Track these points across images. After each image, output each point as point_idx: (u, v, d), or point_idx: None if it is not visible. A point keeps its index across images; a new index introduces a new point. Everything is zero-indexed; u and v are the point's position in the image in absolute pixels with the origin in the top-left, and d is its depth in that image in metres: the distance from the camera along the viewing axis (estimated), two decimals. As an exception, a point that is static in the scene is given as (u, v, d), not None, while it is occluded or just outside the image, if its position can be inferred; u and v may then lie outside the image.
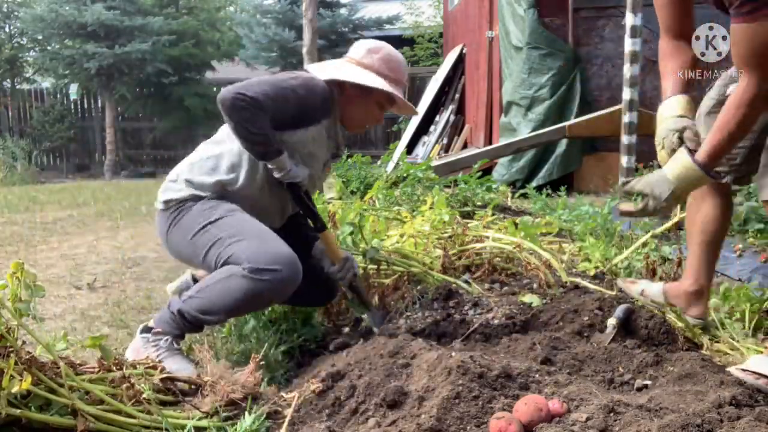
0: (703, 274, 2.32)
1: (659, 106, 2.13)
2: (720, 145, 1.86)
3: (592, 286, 2.58)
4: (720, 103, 2.14)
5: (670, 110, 2.08)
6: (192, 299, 2.09)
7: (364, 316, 2.49)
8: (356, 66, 2.33)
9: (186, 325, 2.12)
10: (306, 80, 2.23)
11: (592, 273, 3.05)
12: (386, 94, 2.31)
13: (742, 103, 1.79)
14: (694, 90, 2.09)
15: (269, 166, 2.17)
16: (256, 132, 2.09)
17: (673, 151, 2.02)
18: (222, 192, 2.20)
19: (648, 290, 2.34)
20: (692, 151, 1.91)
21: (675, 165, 1.93)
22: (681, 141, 2.02)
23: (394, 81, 2.33)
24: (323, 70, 2.33)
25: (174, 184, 2.24)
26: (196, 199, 2.18)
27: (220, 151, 2.23)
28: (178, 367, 1.97)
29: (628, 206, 2.06)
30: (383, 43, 2.40)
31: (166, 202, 2.23)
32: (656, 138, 2.09)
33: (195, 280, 2.49)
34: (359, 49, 2.37)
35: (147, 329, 2.17)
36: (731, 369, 1.89)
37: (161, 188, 2.28)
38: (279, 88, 2.15)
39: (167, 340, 2.10)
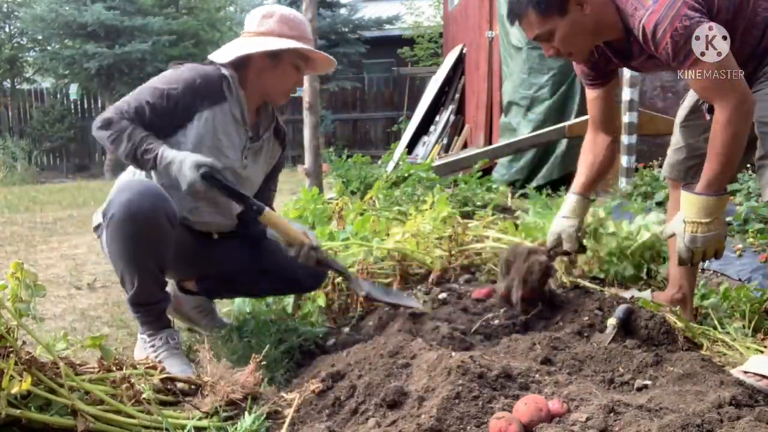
0: (686, 281, 2.43)
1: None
2: (713, 172, 1.96)
3: (592, 286, 2.58)
4: (693, 110, 2.32)
5: (562, 209, 2.40)
6: (123, 285, 2.08)
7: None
8: (255, 37, 2.20)
9: (149, 308, 2.09)
10: (175, 72, 2.15)
11: (592, 273, 3.05)
12: (298, 53, 2.20)
13: (716, 130, 1.92)
14: (591, 191, 2.42)
15: (166, 174, 2.05)
16: (115, 141, 2.03)
17: (555, 248, 2.38)
18: None
19: (636, 297, 2.41)
20: (689, 186, 2.04)
21: (687, 207, 2.01)
22: (558, 241, 2.36)
23: (300, 38, 2.20)
24: (223, 54, 2.20)
25: (94, 215, 2.26)
26: None
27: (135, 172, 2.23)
28: (176, 369, 1.97)
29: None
30: (275, 6, 2.25)
31: (95, 230, 2.27)
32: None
33: (180, 288, 2.49)
34: (253, 19, 2.23)
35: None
36: (732, 371, 1.89)
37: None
38: (138, 92, 2.10)
39: (161, 338, 2.09)
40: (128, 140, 2.03)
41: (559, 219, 2.39)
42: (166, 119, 2.10)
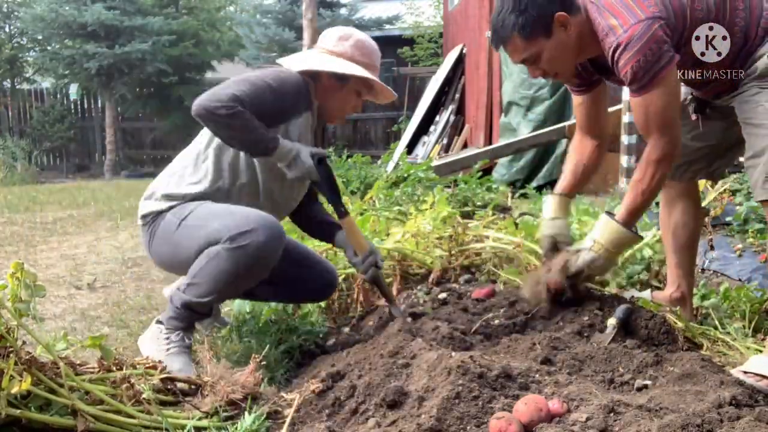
0: (684, 280, 2.45)
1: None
2: (635, 203, 2.07)
3: (592, 286, 2.57)
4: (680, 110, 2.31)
5: (547, 211, 2.37)
6: (190, 287, 2.08)
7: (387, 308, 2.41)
8: (328, 55, 2.26)
9: (193, 315, 2.12)
10: (278, 73, 2.19)
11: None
12: (363, 80, 2.26)
13: (648, 164, 2.02)
14: (574, 193, 2.43)
15: (281, 166, 2.13)
16: (242, 129, 2.03)
17: (551, 252, 2.30)
18: (200, 198, 2.17)
19: (636, 297, 2.43)
20: (612, 214, 2.13)
21: (603, 231, 2.12)
22: (554, 245, 2.31)
23: (369, 66, 2.26)
24: (296, 63, 2.27)
25: (149, 201, 2.23)
26: (171, 207, 2.17)
27: (197, 161, 2.22)
28: (179, 367, 1.98)
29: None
30: (353, 30, 2.32)
31: (143, 217, 2.23)
32: (537, 236, 2.40)
33: None
34: (330, 37, 2.28)
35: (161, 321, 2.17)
36: (732, 371, 1.90)
37: (139, 206, 2.26)
38: (253, 85, 2.09)
39: (179, 334, 2.10)
40: (256, 129, 2.06)
41: (549, 221, 2.37)
42: (268, 116, 2.11)
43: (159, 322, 2.15)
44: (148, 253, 2.28)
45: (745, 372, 1.90)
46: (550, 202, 2.40)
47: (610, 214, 2.12)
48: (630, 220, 2.08)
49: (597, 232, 2.12)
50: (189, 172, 2.21)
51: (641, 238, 2.22)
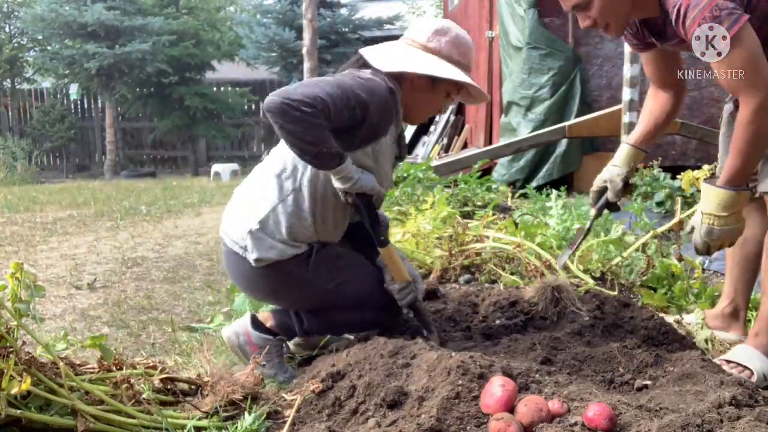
0: (740, 294, 2.35)
1: None
2: (735, 168, 1.91)
3: (607, 292, 2.57)
4: (730, 122, 2.19)
5: (614, 158, 2.36)
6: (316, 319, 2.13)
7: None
8: (421, 51, 2.04)
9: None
10: (368, 82, 1.94)
11: (598, 274, 3.04)
12: (457, 82, 2.04)
13: (743, 125, 1.86)
14: (647, 144, 2.34)
15: (332, 177, 1.91)
16: (312, 140, 1.81)
17: (596, 193, 2.38)
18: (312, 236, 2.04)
19: (687, 319, 2.37)
20: (713, 177, 2.02)
21: (706, 200, 1.97)
22: (604, 186, 2.35)
23: (466, 67, 2.05)
24: (384, 60, 2.02)
25: (267, 240, 2.00)
26: (296, 257, 2.02)
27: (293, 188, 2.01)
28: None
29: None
30: (450, 23, 2.09)
31: (258, 260, 2.00)
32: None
33: (255, 322, 2.14)
34: (424, 30, 2.06)
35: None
36: (716, 359, 1.90)
37: (248, 240, 2.00)
38: (344, 94, 1.86)
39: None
40: (325, 142, 1.84)
41: (609, 166, 2.35)
42: (354, 135, 1.94)
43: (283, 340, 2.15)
44: (256, 289, 2.15)
45: (728, 361, 1.90)
46: (619, 150, 2.35)
47: (709, 180, 2.00)
48: (731, 184, 1.92)
49: (702, 204, 2.00)
50: (298, 210, 2.01)
51: (749, 189, 2.02)
